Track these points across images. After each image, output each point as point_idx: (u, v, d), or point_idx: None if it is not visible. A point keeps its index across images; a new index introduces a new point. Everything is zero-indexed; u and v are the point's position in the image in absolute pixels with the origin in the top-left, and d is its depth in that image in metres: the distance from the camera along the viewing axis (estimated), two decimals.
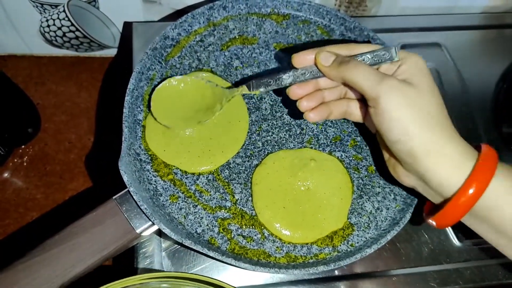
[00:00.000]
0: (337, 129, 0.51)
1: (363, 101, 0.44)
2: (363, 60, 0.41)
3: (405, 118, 0.37)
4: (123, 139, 0.44)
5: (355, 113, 0.45)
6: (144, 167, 0.46)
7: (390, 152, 0.41)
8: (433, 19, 0.66)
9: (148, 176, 0.45)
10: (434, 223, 0.40)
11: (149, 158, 0.46)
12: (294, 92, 0.43)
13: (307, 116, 0.43)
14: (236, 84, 0.51)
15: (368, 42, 0.55)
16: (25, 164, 0.59)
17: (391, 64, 0.41)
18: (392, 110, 0.37)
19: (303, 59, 0.43)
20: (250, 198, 0.46)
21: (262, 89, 0.45)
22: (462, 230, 0.50)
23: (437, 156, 0.37)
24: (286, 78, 0.44)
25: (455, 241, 0.49)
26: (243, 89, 0.46)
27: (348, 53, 0.42)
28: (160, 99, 0.47)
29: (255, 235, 0.44)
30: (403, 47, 0.61)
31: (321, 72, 0.42)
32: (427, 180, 0.38)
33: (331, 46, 0.43)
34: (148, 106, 0.48)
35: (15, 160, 0.59)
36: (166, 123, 0.47)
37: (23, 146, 0.60)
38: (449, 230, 0.50)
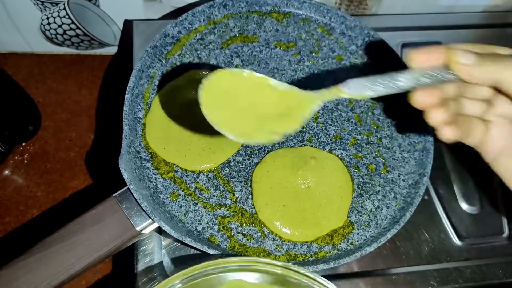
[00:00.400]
0: (338, 127, 0.51)
1: (483, 118, 0.35)
2: None
3: None
4: (123, 137, 0.44)
5: (474, 134, 0.36)
6: (144, 165, 0.46)
7: None
8: (434, 18, 0.65)
9: (148, 174, 0.45)
10: None
11: (149, 156, 0.46)
12: (421, 99, 0.33)
13: (441, 133, 0.34)
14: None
15: (371, 41, 0.55)
16: (25, 161, 0.59)
17: None
18: None
19: (426, 58, 0.32)
20: (250, 196, 0.46)
21: (368, 93, 0.34)
22: (462, 229, 0.50)
23: None
24: (404, 81, 0.33)
25: (455, 240, 0.49)
26: (340, 91, 0.35)
27: (483, 52, 0.32)
28: (212, 96, 0.37)
29: (255, 233, 0.44)
30: (404, 46, 0.61)
31: (458, 73, 0.32)
32: None
33: (463, 45, 0.33)
34: (147, 104, 0.48)
35: (16, 157, 0.59)
36: (229, 132, 0.37)
37: (23, 144, 0.60)
38: (449, 229, 0.50)
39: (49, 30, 0.62)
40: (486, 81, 0.31)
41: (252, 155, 0.48)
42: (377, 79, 0.34)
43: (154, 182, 0.45)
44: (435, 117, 0.33)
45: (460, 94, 0.35)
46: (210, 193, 0.45)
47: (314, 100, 0.37)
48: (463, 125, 0.34)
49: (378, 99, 0.51)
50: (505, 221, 0.51)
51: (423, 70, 0.33)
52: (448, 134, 0.33)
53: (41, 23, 0.61)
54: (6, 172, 0.58)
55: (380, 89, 0.34)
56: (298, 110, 0.37)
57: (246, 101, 0.37)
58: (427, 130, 0.50)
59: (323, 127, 0.50)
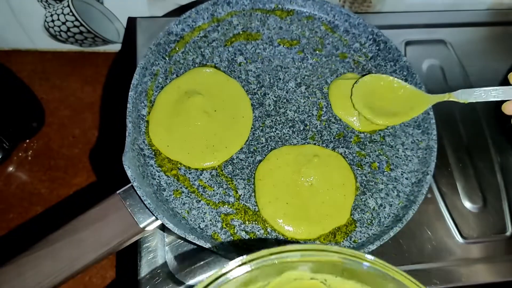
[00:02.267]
0: (341, 125, 0.51)
1: None
2: None
3: None
4: (127, 134, 0.44)
5: None
6: (148, 162, 0.46)
7: None
8: (438, 16, 0.65)
9: (152, 171, 0.45)
10: None
11: (153, 153, 0.46)
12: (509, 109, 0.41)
13: None
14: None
15: (375, 39, 0.55)
16: (29, 158, 0.59)
17: None
18: None
19: None
20: (253, 194, 0.46)
21: (472, 99, 0.45)
22: (465, 227, 0.50)
23: None
24: (497, 94, 0.43)
25: (458, 238, 0.49)
26: (451, 96, 0.46)
27: None
28: (361, 92, 0.50)
29: (258, 231, 0.44)
30: (408, 43, 0.61)
31: None
32: None
33: None
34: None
35: (20, 154, 0.59)
36: (367, 114, 0.49)
37: (27, 141, 0.60)
38: (452, 227, 0.50)
39: (53, 27, 0.63)
40: None
41: (255, 153, 0.48)
42: (480, 90, 0.44)
43: (158, 179, 0.45)
44: None
45: None
46: (213, 190, 0.46)
47: (431, 101, 0.49)
48: None
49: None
50: (508, 219, 0.51)
51: None
52: None
53: (45, 20, 0.61)
54: (10, 168, 0.59)
55: (484, 97, 0.44)
56: (416, 108, 0.49)
57: (384, 100, 0.50)
58: (430, 128, 0.50)
59: (327, 125, 0.50)
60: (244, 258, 0.30)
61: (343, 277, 0.33)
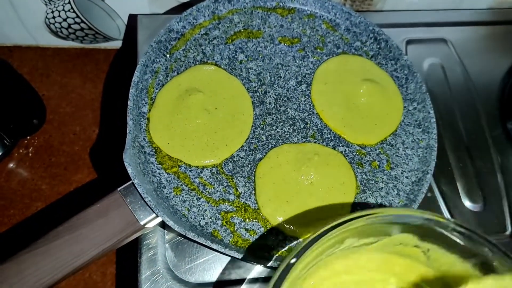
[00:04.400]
0: None
1: None
2: None
3: None
4: (127, 131, 0.44)
5: None
6: (148, 160, 0.46)
7: None
8: (439, 15, 0.65)
9: (152, 168, 0.46)
10: None
11: (153, 150, 0.46)
12: None
13: None
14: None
15: (376, 37, 0.55)
16: (30, 155, 0.59)
17: None
18: None
19: None
20: (253, 192, 0.46)
21: None
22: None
23: None
24: None
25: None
26: None
27: None
28: None
29: (258, 229, 0.44)
30: (409, 42, 0.61)
31: None
32: None
33: None
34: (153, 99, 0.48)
35: (20, 150, 0.59)
36: None
37: (28, 137, 0.60)
38: None
39: (54, 24, 0.63)
40: None
41: (256, 151, 0.48)
42: None
43: (158, 176, 0.45)
44: None
45: None
46: (214, 188, 0.46)
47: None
48: None
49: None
50: (508, 219, 0.51)
51: None
52: None
53: (46, 17, 0.61)
54: (11, 165, 0.59)
55: None
56: None
57: None
58: (431, 127, 0.50)
59: (327, 124, 0.50)
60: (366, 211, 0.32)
61: (448, 250, 0.34)
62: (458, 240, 0.33)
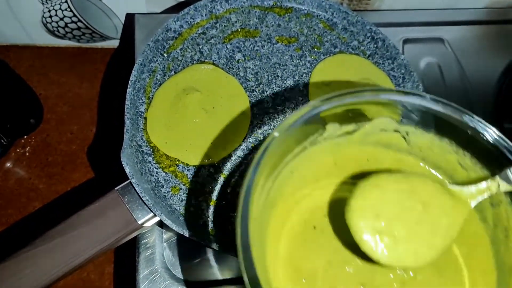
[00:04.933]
0: None
1: None
2: None
3: None
4: (125, 130, 0.44)
5: None
6: (146, 159, 0.46)
7: None
8: (436, 14, 0.65)
9: (150, 167, 0.46)
10: None
11: (151, 150, 0.46)
12: None
13: None
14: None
15: (373, 37, 0.55)
16: (27, 154, 0.59)
17: None
18: None
19: None
20: None
21: None
22: None
23: None
24: None
25: None
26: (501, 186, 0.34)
27: None
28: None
29: None
30: (406, 41, 0.61)
31: None
32: None
33: None
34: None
35: (18, 150, 0.59)
36: None
37: (25, 137, 0.60)
38: None
39: (50, 23, 0.62)
40: None
41: (254, 150, 0.48)
42: None
43: (156, 176, 0.45)
44: None
45: None
46: (211, 187, 0.46)
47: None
48: None
49: None
50: None
51: None
52: None
53: (43, 16, 0.61)
54: (8, 164, 0.59)
55: None
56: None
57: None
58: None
59: None
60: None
61: (425, 130, 0.36)
62: (436, 108, 0.34)
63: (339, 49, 0.55)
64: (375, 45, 0.55)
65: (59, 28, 0.63)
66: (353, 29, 0.56)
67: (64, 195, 0.57)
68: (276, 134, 0.30)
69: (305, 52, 0.54)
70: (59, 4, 0.59)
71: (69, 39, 0.66)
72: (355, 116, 0.36)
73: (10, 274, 0.39)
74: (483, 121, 0.33)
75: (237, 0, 0.55)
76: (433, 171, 0.38)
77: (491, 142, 0.33)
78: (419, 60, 0.61)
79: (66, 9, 0.60)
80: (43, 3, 0.59)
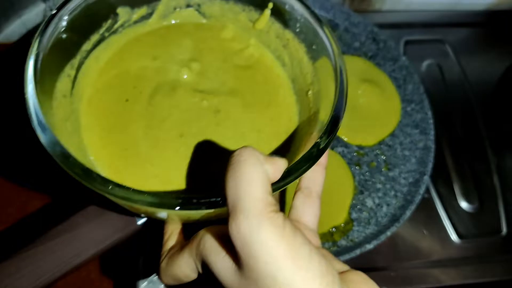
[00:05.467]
0: None
1: None
2: None
3: None
4: None
5: None
6: None
7: None
8: (437, 16, 0.66)
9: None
10: None
11: None
12: None
13: None
14: None
15: (374, 38, 0.55)
16: None
17: None
18: None
19: None
20: None
21: None
22: (461, 227, 0.50)
23: None
24: None
25: (455, 237, 0.50)
26: None
27: None
28: None
29: None
30: (407, 43, 0.61)
31: None
32: None
33: None
34: None
35: None
36: None
37: None
38: (449, 227, 0.50)
39: None
40: None
41: None
42: None
43: None
44: None
45: None
46: None
47: None
48: None
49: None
50: (503, 219, 0.52)
51: None
52: None
53: (45, 15, 0.61)
54: None
55: None
56: None
57: None
58: (428, 128, 0.50)
59: None
60: None
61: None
62: None
63: (341, 50, 0.55)
64: (377, 46, 0.55)
65: None
66: (355, 30, 0.56)
67: (64, 194, 0.57)
68: (54, 11, 0.31)
69: None
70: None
71: None
72: None
73: (10, 274, 0.39)
74: None
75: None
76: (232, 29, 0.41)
77: None
78: (420, 61, 0.61)
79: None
80: (45, 1, 0.59)
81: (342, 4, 0.63)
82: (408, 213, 0.46)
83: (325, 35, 0.34)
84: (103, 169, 0.35)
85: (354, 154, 0.49)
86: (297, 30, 0.37)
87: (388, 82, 0.53)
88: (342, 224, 0.46)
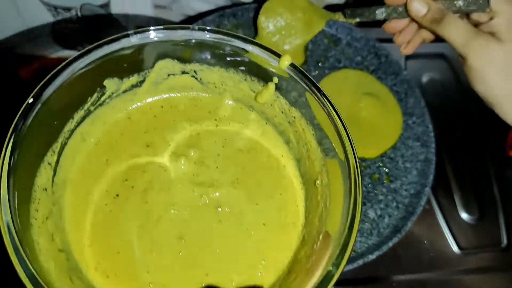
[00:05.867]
0: None
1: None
2: (456, 5, 0.41)
3: (491, 74, 0.40)
4: None
5: (430, 37, 0.46)
6: None
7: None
8: None
9: None
10: None
11: None
12: (389, 28, 0.46)
13: (402, 52, 0.47)
14: None
15: (376, 52, 0.56)
16: None
17: (482, 15, 0.41)
18: (479, 67, 0.40)
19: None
20: None
21: (357, 19, 0.47)
22: (462, 238, 0.51)
23: None
24: (380, 13, 0.46)
25: (455, 248, 0.50)
26: (340, 16, 0.49)
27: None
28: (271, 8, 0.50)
29: None
30: (408, 57, 0.62)
31: (414, 20, 0.44)
32: (509, 120, 0.42)
33: None
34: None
35: None
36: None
37: None
38: (449, 238, 0.51)
39: (61, 35, 0.64)
40: (430, 30, 0.43)
41: None
42: (364, 10, 0.46)
43: None
44: (398, 40, 0.46)
45: None
46: None
47: (326, 16, 0.50)
48: (417, 38, 0.46)
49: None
50: (503, 231, 0.52)
51: (395, 7, 0.44)
52: (406, 52, 0.47)
53: (53, 28, 0.62)
54: None
55: (365, 17, 0.47)
56: (316, 22, 0.50)
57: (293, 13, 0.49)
58: (429, 141, 0.51)
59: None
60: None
61: (209, 64, 0.36)
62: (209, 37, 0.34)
63: (343, 64, 0.56)
64: (378, 61, 0.56)
65: (68, 40, 0.65)
66: (357, 45, 0.57)
67: None
68: (30, 101, 0.28)
69: (310, 67, 0.55)
70: (70, 17, 0.60)
71: (78, 50, 0.67)
72: (132, 66, 0.34)
73: None
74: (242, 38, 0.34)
75: (244, 15, 0.56)
76: (230, 103, 0.38)
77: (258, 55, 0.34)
78: (421, 76, 0.62)
79: (76, 22, 0.61)
80: (54, 16, 0.60)
81: None
82: (409, 224, 0.46)
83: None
84: (88, 272, 0.31)
85: None
86: (304, 111, 0.34)
87: (389, 96, 0.54)
88: None
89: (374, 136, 0.52)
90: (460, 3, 0.41)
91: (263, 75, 0.35)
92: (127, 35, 0.32)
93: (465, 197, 0.54)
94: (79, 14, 0.60)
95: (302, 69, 0.34)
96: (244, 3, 0.57)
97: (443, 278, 0.48)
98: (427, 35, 0.46)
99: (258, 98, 0.36)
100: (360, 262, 0.44)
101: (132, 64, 0.34)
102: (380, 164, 0.51)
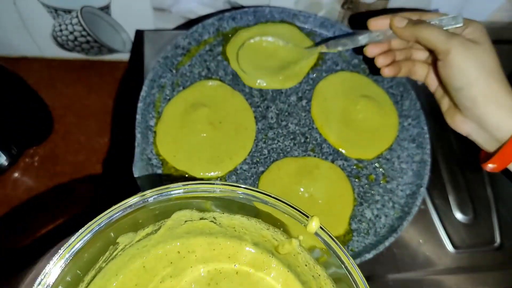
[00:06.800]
0: None
1: (426, 62, 0.50)
2: (438, 23, 0.46)
3: (471, 69, 0.42)
4: (136, 144, 0.46)
5: (418, 72, 0.51)
6: (156, 172, 0.48)
7: (449, 103, 0.47)
8: None
9: (159, 180, 0.47)
10: (493, 165, 0.44)
11: (160, 163, 0.48)
12: (371, 51, 0.49)
13: (383, 71, 0.49)
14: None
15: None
16: (36, 164, 0.61)
17: (456, 28, 0.46)
18: (460, 61, 0.42)
19: (377, 23, 0.49)
20: None
21: (340, 48, 0.51)
22: (456, 237, 0.52)
23: (495, 102, 0.42)
24: (362, 39, 0.49)
25: (450, 248, 0.52)
26: (322, 48, 0.53)
27: (418, 18, 0.47)
28: (247, 53, 0.55)
29: None
30: None
31: (395, 33, 0.47)
32: (484, 123, 0.43)
33: (403, 13, 0.48)
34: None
35: (26, 160, 0.61)
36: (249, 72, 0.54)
37: (34, 147, 0.61)
38: (444, 238, 0.52)
39: (60, 37, 0.64)
40: (411, 37, 0.46)
41: (258, 164, 0.50)
42: (346, 39, 0.51)
43: None
44: (380, 62, 0.49)
45: (410, 46, 0.50)
46: None
47: (306, 55, 0.54)
48: (396, 67, 0.49)
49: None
50: (496, 231, 0.54)
51: (376, 32, 0.49)
52: (387, 72, 0.49)
53: (54, 30, 0.63)
54: (17, 174, 0.60)
55: (348, 45, 0.51)
56: (297, 62, 0.54)
57: (268, 57, 0.55)
58: (424, 142, 0.52)
59: (326, 138, 0.52)
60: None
61: (230, 211, 0.34)
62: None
63: (341, 67, 0.57)
64: None
65: (69, 42, 0.65)
66: (354, 48, 0.58)
67: (71, 206, 0.59)
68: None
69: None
70: (70, 18, 0.61)
71: (78, 52, 0.68)
72: (147, 221, 0.33)
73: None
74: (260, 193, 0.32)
75: (243, 18, 0.57)
76: (251, 250, 0.36)
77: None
78: None
79: (76, 24, 0.62)
80: (54, 18, 0.61)
81: (341, 22, 0.65)
82: (405, 224, 0.48)
83: None
84: None
85: (354, 167, 0.51)
86: (331, 273, 0.32)
87: (386, 98, 0.56)
88: (342, 235, 0.48)
89: (371, 138, 0.53)
90: (436, 21, 0.46)
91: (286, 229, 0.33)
92: (144, 197, 0.31)
93: (459, 198, 0.55)
94: (79, 16, 0.61)
95: (332, 236, 0.31)
96: (243, 7, 0.58)
97: (438, 276, 0.49)
98: (403, 67, 0.50)
99: (279, 249, 0.34)
100: (357, 261, 0.45)
101: (148, 220, 0.33)
102: (377, 165, 0.52)
